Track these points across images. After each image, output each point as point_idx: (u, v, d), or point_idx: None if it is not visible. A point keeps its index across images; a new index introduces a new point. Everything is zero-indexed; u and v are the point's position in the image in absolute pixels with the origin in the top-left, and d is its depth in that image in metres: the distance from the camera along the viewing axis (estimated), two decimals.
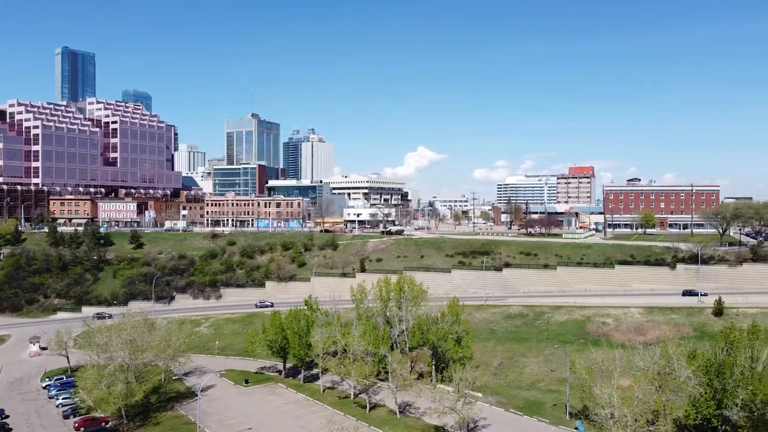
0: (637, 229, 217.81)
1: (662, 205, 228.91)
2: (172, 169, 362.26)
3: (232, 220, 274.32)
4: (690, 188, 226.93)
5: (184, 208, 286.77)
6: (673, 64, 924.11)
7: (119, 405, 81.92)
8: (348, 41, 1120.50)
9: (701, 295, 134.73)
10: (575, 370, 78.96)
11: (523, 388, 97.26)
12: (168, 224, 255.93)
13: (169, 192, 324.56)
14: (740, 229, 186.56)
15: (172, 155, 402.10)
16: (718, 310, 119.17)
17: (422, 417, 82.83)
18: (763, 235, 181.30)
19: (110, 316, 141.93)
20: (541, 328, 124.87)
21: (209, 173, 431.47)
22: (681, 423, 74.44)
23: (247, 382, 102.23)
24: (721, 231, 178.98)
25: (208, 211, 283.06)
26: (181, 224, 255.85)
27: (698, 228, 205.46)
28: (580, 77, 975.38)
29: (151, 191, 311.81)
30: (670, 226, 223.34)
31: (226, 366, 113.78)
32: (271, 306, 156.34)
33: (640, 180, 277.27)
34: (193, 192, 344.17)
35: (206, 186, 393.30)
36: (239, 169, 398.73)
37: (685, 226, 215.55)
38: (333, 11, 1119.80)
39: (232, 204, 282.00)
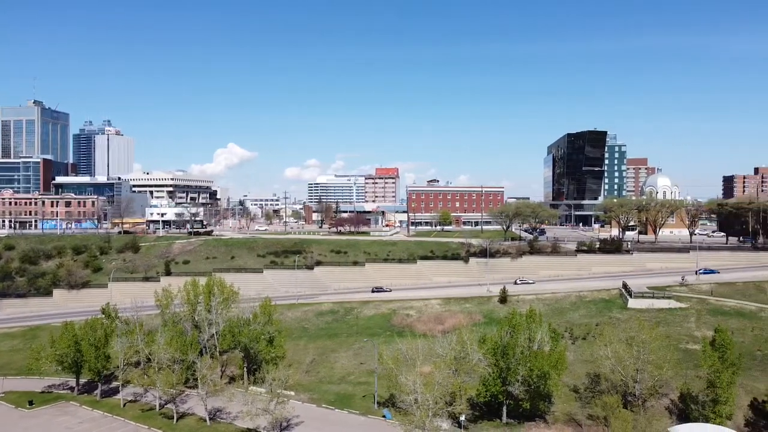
0: (436, 226, 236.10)
1: (457, 204, 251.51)
2: None
3: (10, 221, 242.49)
4: (480, 189, 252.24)
5: None
6: (469, 75, 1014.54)
7: None
8: (150, 30, 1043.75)
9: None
10: (382, 362, 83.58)
11: (335, 383, 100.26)
12: None
13: None
14: (520, 226, 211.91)
15: None
16: (503, 298, 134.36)
17: (234, 421, 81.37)
18: (538, 230, 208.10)
19: None
20: (351, 323, 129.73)
21: None
22: (474, 401, 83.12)
23: (31, 403, 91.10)
24: (505, 227, 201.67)
25: None
26: None
27: (487, 225, 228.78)
28: (388, 80, 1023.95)
29: None
30: (464, 223, 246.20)
31: (3, 388, 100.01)
32: None
33: (438, 181, 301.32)
34: None
35: None
36: (19, 163, 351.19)
37: (477, 223, 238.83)
38: None
39: (10, 203, 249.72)
